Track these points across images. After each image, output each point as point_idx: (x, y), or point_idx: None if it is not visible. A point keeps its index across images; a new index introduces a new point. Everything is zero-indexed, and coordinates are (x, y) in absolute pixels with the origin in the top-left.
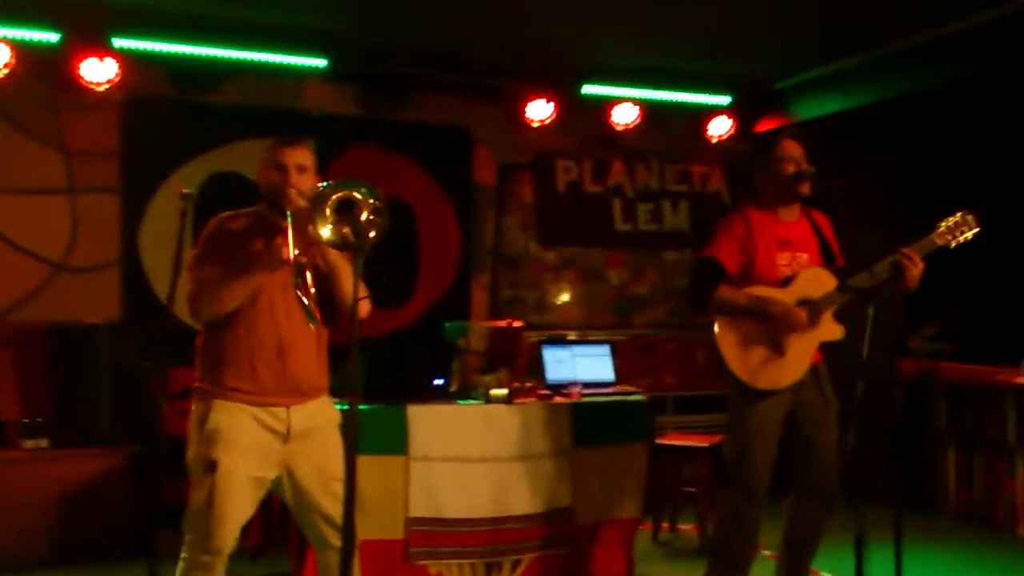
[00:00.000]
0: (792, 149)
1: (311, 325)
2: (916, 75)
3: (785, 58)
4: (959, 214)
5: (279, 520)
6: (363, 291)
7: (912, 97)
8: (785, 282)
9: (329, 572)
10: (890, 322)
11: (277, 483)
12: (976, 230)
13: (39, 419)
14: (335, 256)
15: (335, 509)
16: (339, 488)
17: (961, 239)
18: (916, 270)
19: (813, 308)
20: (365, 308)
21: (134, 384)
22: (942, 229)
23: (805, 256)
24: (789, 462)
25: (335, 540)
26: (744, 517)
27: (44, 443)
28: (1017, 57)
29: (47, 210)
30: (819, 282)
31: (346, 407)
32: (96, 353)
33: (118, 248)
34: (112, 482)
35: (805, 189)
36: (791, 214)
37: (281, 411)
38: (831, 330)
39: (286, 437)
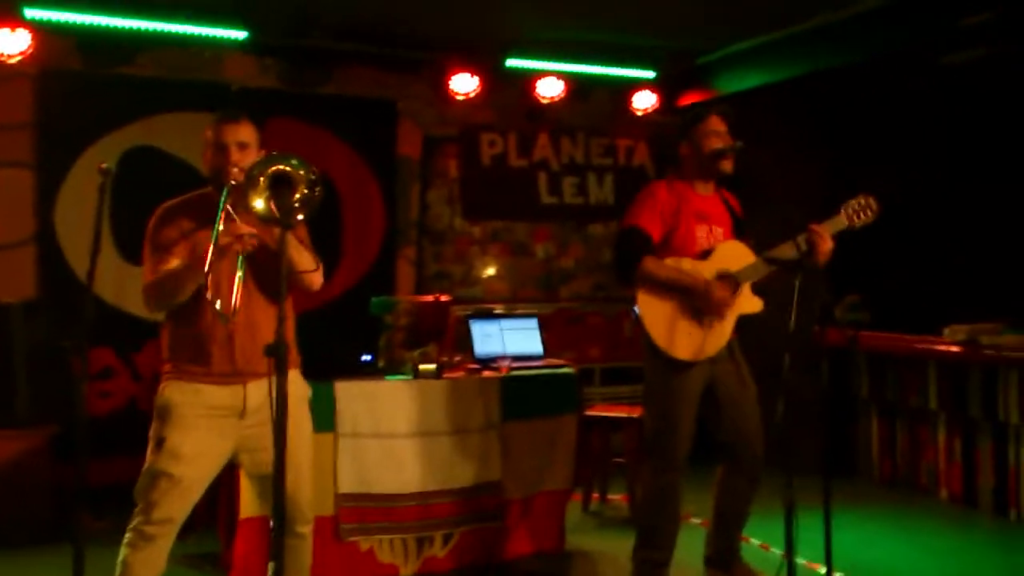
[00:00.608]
0: (717, 125)
1: (222, 323)
2: (838, 49)
3: (709, 32)
4: (861, 197)
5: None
6: (315, 262)
7: (834, 71)
8: (704, 255)
9: (292, 552)
10: (816, 293)
11: (237, 458)
12: (877, 213)
13: None
14: (277, 231)
15: (296, 484)
16: (301, 462)
17: (863, 220)
18: (826, 246)
19: (732, 281)
20: (318, 279)
21: (51, 364)
22: (848, 210)
23: (721, 230)
24: (711, 436)
25: (296, 525)
26: (668, 488)
27: None
28: (936, 30)
29: None
30: (737, 255)
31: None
32: (12, 332)
33: (33, 225)
34: (32, 464)
35: (727, 166)
36: (707, 189)
37: (237, 388)
38: (751, 302)
39: (242, 413)
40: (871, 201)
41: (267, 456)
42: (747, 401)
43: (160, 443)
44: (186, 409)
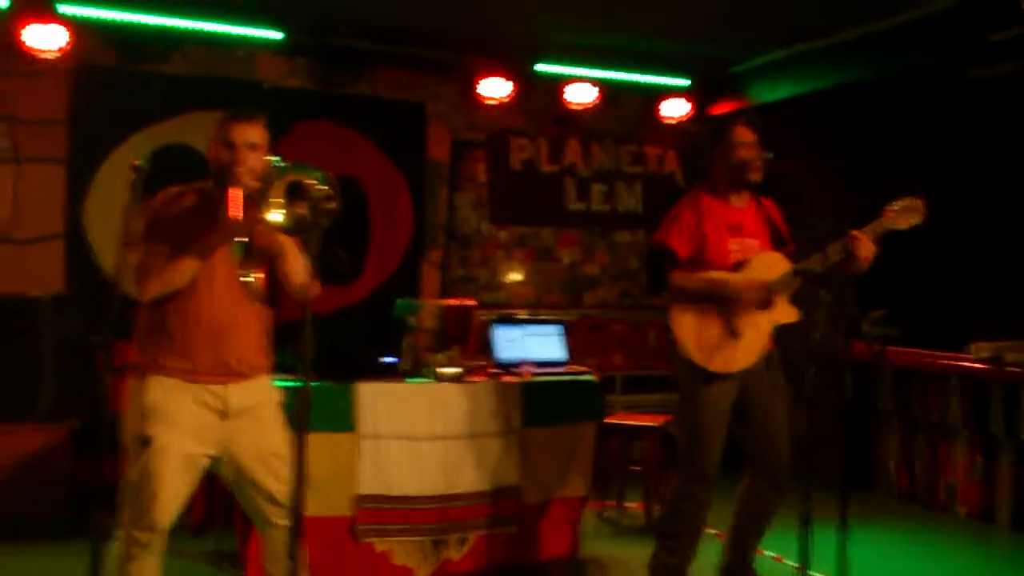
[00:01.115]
0: (744, 135)
1: (253, 300)
2: (871, 62)
3: (743, 41)
4: (907, 199)
5: (223, 497)
6: (313, 273)
7: (866, 84)
8: (737, 267)
9: (272, 549)
10: (843, 306)
11: (216, 462)
12: (924, 215)
13: None
14: (283, 239)
15: (275, 486)
16: (279, 465)
17: (909, 223)
18: (867, 252)
19: (766, 292)
20: (314, 288)
21: (78, 358)
22: (891, 214)
23: (755, 242)
24: (739, 446)
25: (276, 518)
26: (696, 498)
27: None
28: (964, 44)
29: None
30: (772, 266)
31: (297, 384)
32: (40, 326)
33: (63, 220)
34: (53, 458)
35: (756, 176)
36: (741, 200)
37: (218, 388)
38: (785, 313)
39: (223, 415)
40: (918, 203)
41: (245, 459)
42: (778, 413)
43: (145, 442)
44: (170, 406)
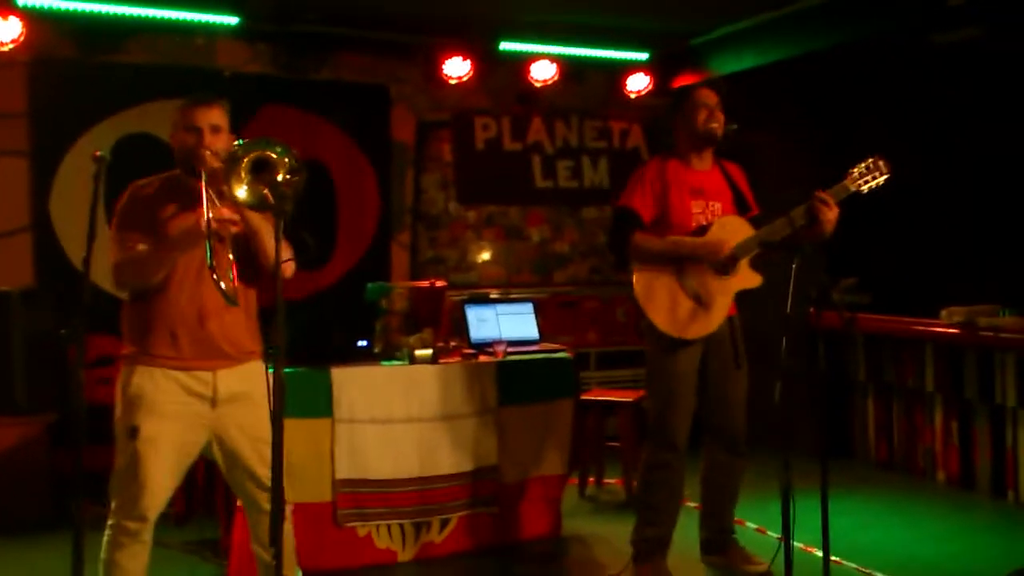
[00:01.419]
0: (707, 97)
1: (228, 305)
2: (830, 29)
3: (702, 13)
4: (870, 159)
5: (203, 487)
6: (287, 253)
7: (827, 52)
8: (700, 231)
9: (261, 535)
10: (813, 274)
11: (207, 448)
12: (887, 175)
13: None
14: (254, 217)
15: (265, 472)
16: (268, 451)
17: (873, 184)
18: (831, 214)
19: (729, 256)
20: (289, 269)
21: (49, 352)
22: (855, 174)
23: (719, 205)
24: (697, 414)
25: (266, 503)
26: (669, 466)
27: None
28: (929, 11)
29: None
30: (734, 230)
31: (271, 370)
32: (10, 321)
33: (29, 213)
34: (30, 451)
35: (718, 130)
36: (704, 163)
37: (207, 375)
38: (749, 278)
39: (213, 401)
40: (880, 163)
41: (235, 444)
42: (737, 377)
43: (133, 432)
44: (158, 396)
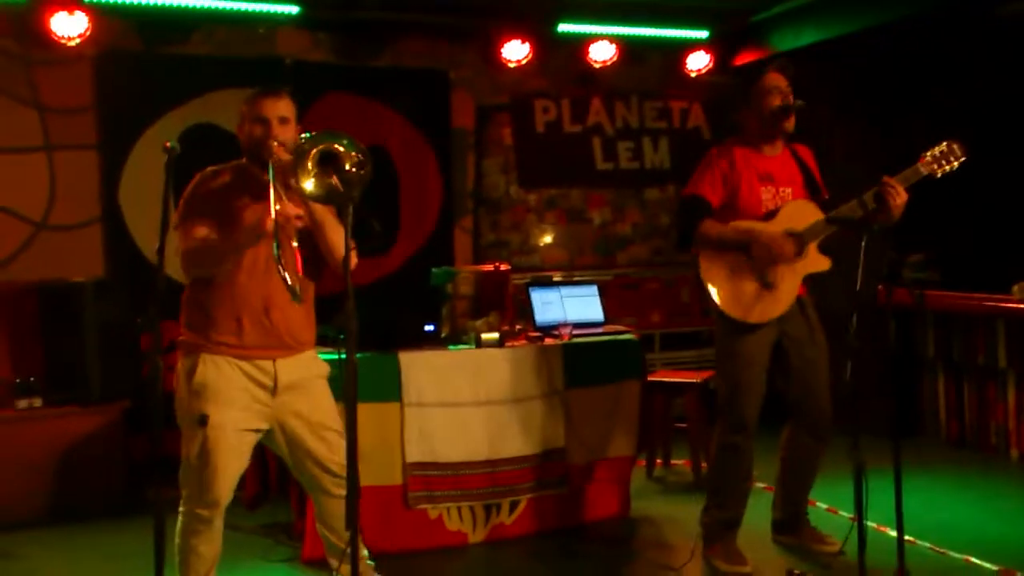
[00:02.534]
0: (777, 80)
1: (294, 301)
2: (893, 4)
3: None
4: (944, 144)
5: (276, 471)
6: (351, 243)
7: (890, 26)
8: (768, 216)
9: (328, 519)
10: (882, 252)
11: (269, 437)
12: (962, 159)
13: (31, 378)
14: (319, 209)
15: (329, 456)
16: (332, 436)
17: (947, 168)
18: (900, 199)
19: (798, 240)
20: (353, 259)
21: (122, 340)
22: (928, 159)
23: (789, 190)
24: (779, 395)
25: (332, 487)
26: (738, 448)
27: (37, 402)
28: None
29: (25, 169)
30: (803, 214)
31: (342, 357)
32: (83, 311)
33: (99, 205)
34: (106, 439)
35: (790, 124)
36: (774, 149)
37: (268, 364)
38: (817, 261)
39: (274, 390)
40: (955, 147)
41: (298, 431)
42: (817, 359)
43: (203, 420)
44: (222, 383)
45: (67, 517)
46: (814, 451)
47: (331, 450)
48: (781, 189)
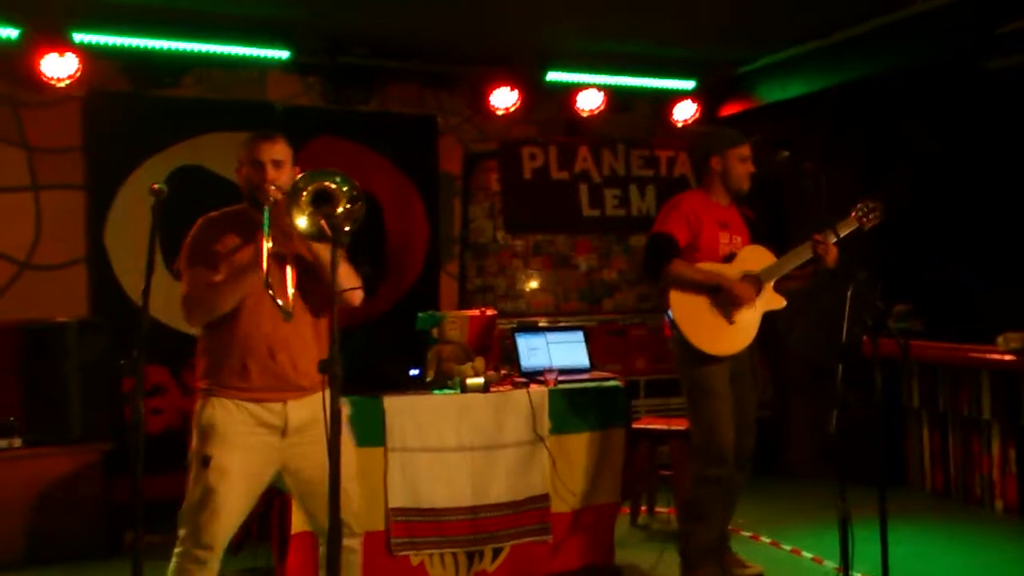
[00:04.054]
0: (746, 151)
1: (285, 320)
2: (878, 57)
3: (749, 42)
4: (869, 201)
5: (259, 514)
6: (356, 280)
7: (875, 79)
8: (728, 258)
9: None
10: (869, 303)
11: (279, 478)
12: (881, 217)
13: (11, 418)
14: (319, 248)
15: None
16: (343, 479)
17: (871, 223)
18: (832, 253)
19: (755, 281)
20: (357, 298)
21: (103, 381)
22: (854, 215)
23: (739, 238)
24: None
25: (345, 539)
26: (721, 480)
27: (16, 442)
28: (978, 39)
29: (11, 208)
30: (758, 257)
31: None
32: (66, 351)
33: (84, 245)
34: (85, 480)
35: (747, 187)
36: (724, 200)
37: (277, 406)
38: (774, 300)
39: (283, 432)
40: (877, 205)
41: (309, 474)
42: (751, 397)
43: (206, 461)
44: (230, 427)
45: (44, 559)
46: (739, 482)
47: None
48: (734, 236)
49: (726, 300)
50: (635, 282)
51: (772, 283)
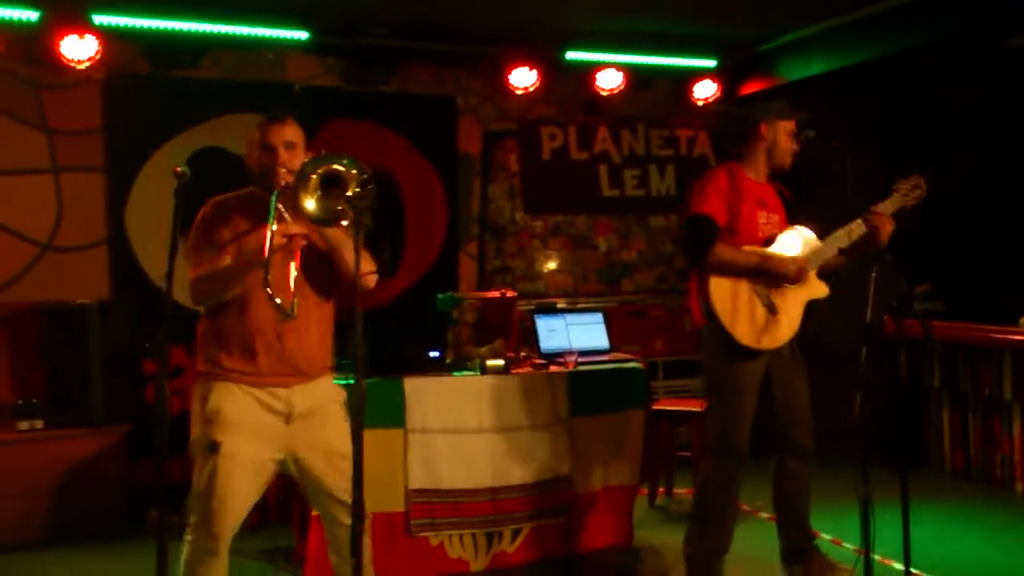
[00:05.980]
0: (794, 127)
1: (282, 319)
2: (902, 34)
3: (770, 19)
4: (913, 177)
5: (279, 494)
6: (371, 264)
7: (899, 56)
8: (768, 242)
9: (339, 547)
10: (893, 284)
11: (284, 464)
12: (925, 192)
13: (33, 400)
14: (335, 233)
15: (340, 484)
16: (344, 464)
17: (915, 200)
18: (888, 226)
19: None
20: (372, 281)
21: (125, 363)
22: (902, 189)
23: (776, 217)
24: (761, 425)
25: (342, 516)
26: (733, 478)
27: (39, 424)
28: (1000, 16)
29: (32, 190)
30: (802, 241)
31: (349, 382)
32: (87, 333)
33: (105, 227)
34: (108, 462)
35: (789, 163)
36: (761, 177)
37: (282, 391)
38: (816, 288)
39: (288, 417)
40: (920, 180)
41: (311, 461)
42: (801, 386)
43: (214, 447)
44: (237, 412)
45: (67, 540)
46: (805, 475)
47: (342, 478)
48: (771, 215)
49: (772, 284)
50: (654, 263)
51: (816, 269)
